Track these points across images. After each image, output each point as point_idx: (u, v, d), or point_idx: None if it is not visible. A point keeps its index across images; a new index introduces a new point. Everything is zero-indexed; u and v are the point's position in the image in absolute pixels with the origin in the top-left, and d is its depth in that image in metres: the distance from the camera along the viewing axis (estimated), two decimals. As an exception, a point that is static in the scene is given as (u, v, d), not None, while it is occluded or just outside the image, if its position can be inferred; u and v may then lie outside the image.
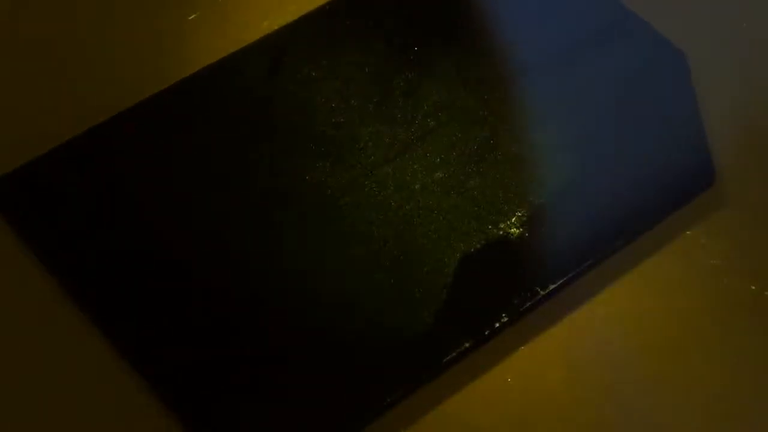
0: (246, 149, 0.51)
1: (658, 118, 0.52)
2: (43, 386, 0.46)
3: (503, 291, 0.47)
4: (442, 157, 0.51)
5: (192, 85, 0.52)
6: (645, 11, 0.55)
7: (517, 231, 0.49)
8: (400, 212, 0.49)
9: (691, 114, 0.52)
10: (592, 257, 0.48)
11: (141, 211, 0.49)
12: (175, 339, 0.46)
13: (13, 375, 0.46)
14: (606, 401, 0.47)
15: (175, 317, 0.47)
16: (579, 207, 0.50)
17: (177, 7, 0.56)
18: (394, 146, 0.51)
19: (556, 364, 0.47)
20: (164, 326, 0.47)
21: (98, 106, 0.52)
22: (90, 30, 0.55)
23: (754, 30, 0.56)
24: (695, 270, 0.50)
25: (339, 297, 0.47)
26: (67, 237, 0.49)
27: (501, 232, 0.49)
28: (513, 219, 0.49)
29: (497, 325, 0.47)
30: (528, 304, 0.47)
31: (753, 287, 0.49)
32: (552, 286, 0.47)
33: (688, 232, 0.50)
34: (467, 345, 0.46)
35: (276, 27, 0.54)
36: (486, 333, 0.47)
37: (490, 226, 0.49)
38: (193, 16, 0.55)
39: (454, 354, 0.46)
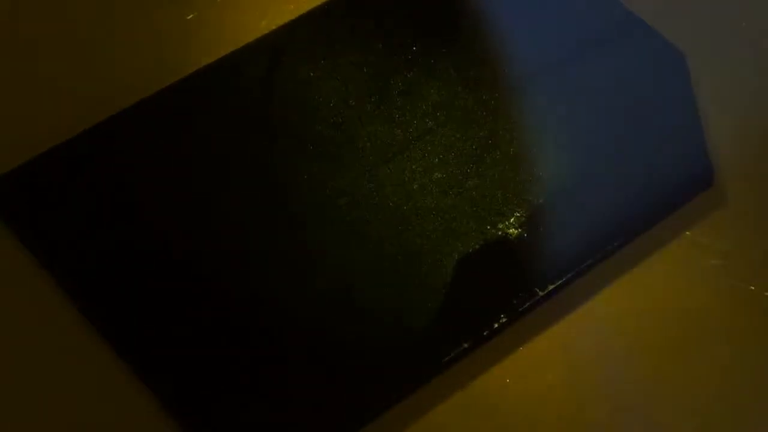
0: (245, 149, 0.51)
1: (658, 118, 0.52)
2: (42, 387, 0.46)
3: (502, 291, 0.47)
4: (440, 157, 0.51)
5: (190, 84, 0.52)
6: (645, 12, 0.54)
7: (516, 231, 0.49)
8: (398, 212, 0.49)
9: (691, 115, 0.52)
10: (590, 258, 0.48)
11: (140, 211, 0.49)
12: (175, 339, 0.46)
13: (12, 376, 0.46)
14: (605, 402, 0.47)
15: (175, 317, 0.47)
16: (578, 207, 0.50)
17: (175, 6, 0.56)
18: (393, 146, 0.51)
19: (555, 365, 0.47)
20: (164, 326, 0.47)
21: (97, 105, 0.52)
22: (88, 30, 0.55)
23: (754, 31, 0.56)
24: (694, 270, 0.50)
25: (338, 297, 0.47)
26: (66, 237, 0.49)
27: (500, 233, 0.49)
28: (512, 219, 0.49)
29: (496, 325, 0.47)
30: (527, 304, 0.47)
31: (752, 287, 0.49)
32: (551, 287, 0.47)
33: (687, 233, 0.50)
34: (466, 345, 0.46)
35: (274, 27, 0.54)
36: (485, 333, 0.47)
37: (488, 227, 0.49)
38: (191, 16, 0.55)
39: (452, 354, 0.46)
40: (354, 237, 0.49)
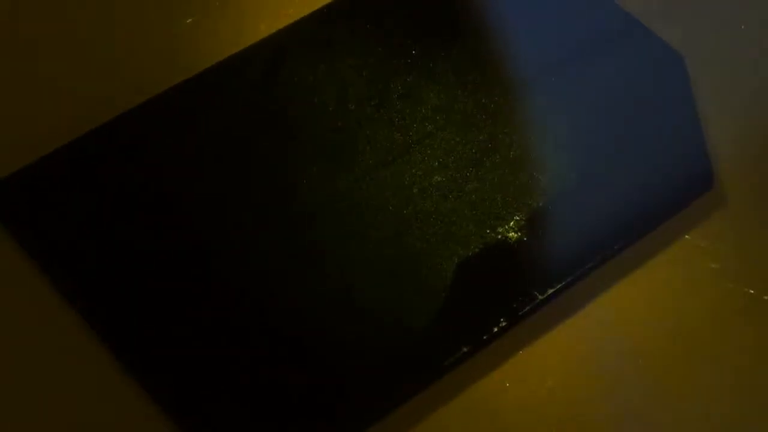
0: (244, 153, 0.51)
1: (657, 121, 0.52)
2: (41, 389, 0.46)
3: (501, 295, 0.47)
4: (440, 160, 0.51)
5: (189, 88, 0.52)
6: (644, 15, 0.54)
7: (516, 235, 0.49)
8: (398, 216, 0.49)
9: (690, 118, 0.52)
10: (590, 261, 0.48)
11: (138, 213, 0.49)
12: (174, 340, 0.46)
13: (11, 378, 0.46)
14: (604, 405, 0.47)
15: (174, 319, 0.47)
16: (577, 211, 0.50)
17: (173, 10, 0.55)
18: (393, 150, 0.51)
19: (555, 368, 0.47)
20: (163, 327, 0.47)
21: (95, 109, 0.52)
22: (86, 34, 0.55)
23: (754, 34, 0.56)
24: (694, 274, 0.50)
25: (337, 301, 0.47)
26: (66, 239, 0.49)
27: (499, 236, 0.49)
28: (511, 223, 0.49)
29: (496, 329, 0.47)
30: (526, 308, 0.47)
31: (752, 291, 0.49)
32: (550, 291, 0.47)
33: (687, 236, 0.50)
34: (465, 349, 0.46)
35: (273, 30, 0.54)
36: (484, 337, 0.47)
37: (488, 230, 0.49)
38: (189, 20, 0.55)
39: (452, 359, 0.46)
40: (354, 240, 0.48)
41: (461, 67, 0.53)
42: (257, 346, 0.46)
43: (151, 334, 0.46)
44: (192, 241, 0.49)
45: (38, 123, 0.52)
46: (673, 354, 0.48)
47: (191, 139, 0.51)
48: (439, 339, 0.46)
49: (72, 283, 0.48)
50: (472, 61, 0.53)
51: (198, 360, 0.46)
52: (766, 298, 0.49)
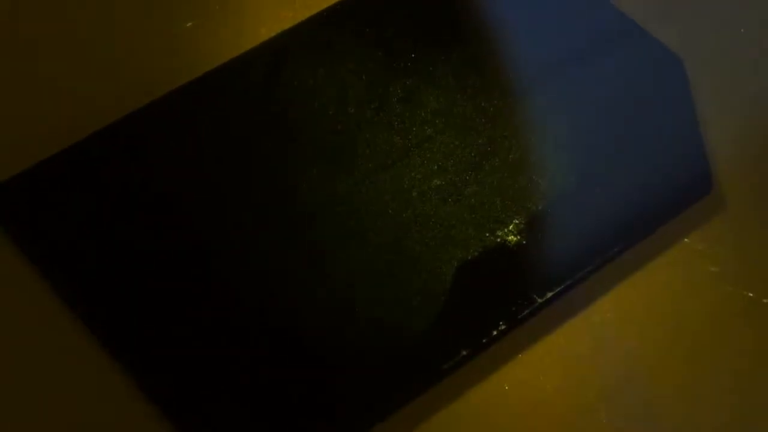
0: (243, 156, 0.51)
1: (656, 125, 0.52)
2: (41, 391, 0.46)
3: (501, 299, 0.47)
4: (439, 164, 0.51)
5: (190, 91, 0.52)
6: (642, 17, 0.54)
7: (515, 238, 0.49)
8: (397, 219, 0.49)
9: (689, 121, 0.52)
10: (589, 264, 0.48)
11: (140, 216, 0.49)
12: (174, 342, 0.46)
13: (12, 380, 0.46)
14: (603, 408, 0.47)
15: (174, 320, 0.47)
16: (576, 215, 0.50)
17: (173, 14, 0.55)
18: (392, 153, 0.51)
19: (554, 372, 0.47)
20: (163, 329, 0.47)
21: (95, 113, 0.51)
22: (86, 36, 0.55)
23: (753, 35, 0.56)
24: (693, 276, 0.50)
25: (336, 304, 0.47)
26: (66, 243, 0.49)
27: (498, 240, 0.49)
28: (510, 226, 0.49)
29: (495, 332, 0.47)
30: (525, 311, 0.47)
31: (751, 294, 0.49)
32: (550, 294, 0.47)
33: (686, 239, 0.50)
34: (464, 353, 0.46)
35: (273, 34, 0.54)
36: (483, 341, 0.47)
37: (487, 234, 0.49)
38: (189, 24, 0.55)
39: (451, 362, 0.46)
40: (353, 243, 0.48)
41: (461, 70, 0.53)
42: (257, 348, 0.46)
43: (152, 335, 0.46)
44: (192, 243, 0.49)
45: (38, 126, 0.52)
46: (673, 357, 0.48)
47: (192, 142, 0.51)
48: (439, 342, 0.46)
49: (72, 285, 0.48)
50: (471, 65, 0.53)
51: (198, 360, 0.46)
52: (765, 301, 0.49)
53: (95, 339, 0.47)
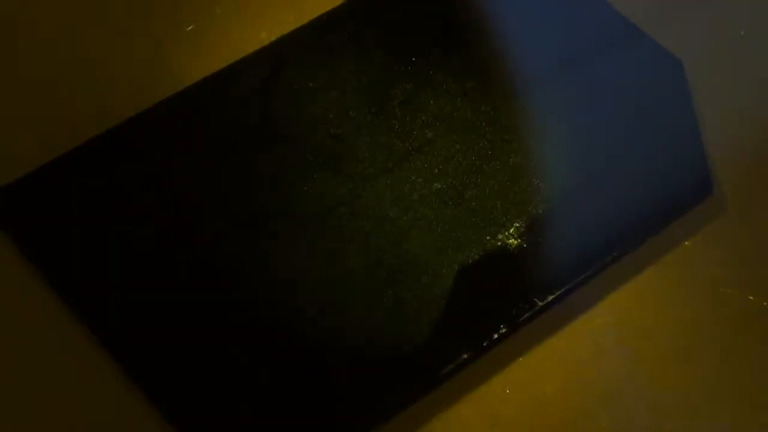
0: (244, 160, 0.51)
1: (657, 128, 0.52)
2: (41, 393, 0.46)
3: (501, 302, 0.47)
4: (440, 167, 0.51)
5: (190, 95, 0.52)
6: (642, 21, 0.54)
7: (516, 242, 0.49)
8: (398, 223, 0.49)
9: (690, 124, 0.52)
10: (590, 268, 0.48)
11: (141, 219, 0.49)
12: (174, 345, 0.47)
13: (12, 383, 0.46)
14: (604, 412, 0.47)
15: (175, 322, 0.47)
16: (577, 217, 0.50)
17: (174, 17, 0.56)
18: (392, 157, 0.51)
19: (555, 375, 0.47)
20: (164, 332, 0.47)
21: (95, 117, 0.52)
22: (86, 41, 0.55)
23: (753, 39, 0.56)
24: (694, 280, 0.50)
25: (336, 308, 0.47)
26: (67, 246, 0.49)
27: (499, 243, 0.49)
28: (511, 230, 0.49)
29: (496, 336, 0.47)
30: (526, 314, 0.47)
31: (751, 297, 0.49)
32: (550, 297, 0.47)
33: (686, 242, 0.50)
34: (465, 356, 0.46)
35: (274, 38, 0.54)
36: (484, 344, 0.47)
37: (488, 237, 0.49)
38: (190, 27, 0.55)
39: (452, 365, 0.46)
40: (353, 247, 0.49)
41: (461, 74, 0.53)
42: (257, 350, 0.46)
43: (151, 336, 0.47)
44: (192, 246, 0.49)
45: (40, 130, 0.52)
46: (674, 361, 0.48)
47: (191, 146, 0.51)
48: (440, 345, 0.46)
49: (72, 286, 0.48)
50: (471, 69, 0.54)
51: (198, 361, 0.46)
52: (766, 304, 0.49)
53: (95, 339, 0.47)
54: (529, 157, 0.51)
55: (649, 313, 0.49)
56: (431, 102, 0.52)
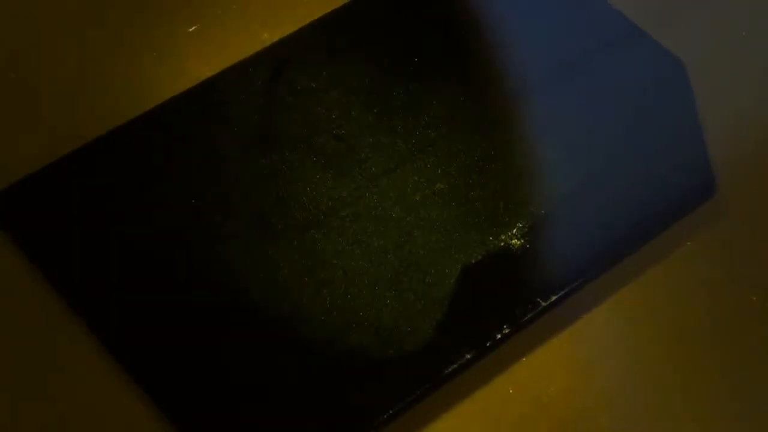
0: (246, 160, 0.51)
1: (659, 129, 0.52)
2: (41, 393, 0.46)
3: (504, 302, 0.47)
4: (442, 168, 0.51)
5: (192, 97, 0.52)
6: (645, 22, 0.55)
7: (519, 242, 0.49)
8: (400, 223, 0.49)
9: (691, 124, 0.52)
10: (593, 268, 0.48)
11: (141, 221, 0.49)
12: (174, 345, 0.46)
13: (12, 383, 0.46)
14: (608, 412, 0.47)
15: (176, 323, 0.47)
16: (580, 218, 0.50)
17: (176, 19, 0.56)
18: (395, 157, 0.51)
19: (558, 375, 0.47)
20: (164, 332, 0.47)
21: (97, 119, 0.52)
22: (87, 42, 0.55)
23: (755, 40, 0.56)
24: (696, 281, 0.50)
25: (339, 308, 0.47)
26: (68, 247, 0.49)
27: (502, 243, 0.49)
28: (514, 230, 0.49)
29: (498, 336, 0.47)
30: (529, 315, 0.47)
31: (754, 298, 0.49)
32: (553, 297, 0.47)
33: (688, 243, 0.50)
34: (468, 356, 0.46)
35: (276, 38, 0.54)
36: (487, 344, 0.47)
37: (491, 237, 0.49)
38: (192, 29, 0.55)
39: (455, 365, 0.46)
40: (356, 248, 0.49)
41: (463, 74, 0.53)
42: (258, 351, 0.46)
43: (152, 336, 0.47)
44: (192, 247, 0.49)
45: (41, 131, 0.52)
46: (676, 361, 0.48)
47: (192, 147, 0.51)
48: (442, 346, 0.46)
49: (73, 286, 0.48)
50: (474, 69, 0.54)
51: (198, 362, 0.46)
52: (768, 305, 0.49)
53: (95, 339, 0.47)
54: (531, 157, 0.51)
55: (652, 314, 0.49)
56: (434, 103, 0.52)
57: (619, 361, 0.48)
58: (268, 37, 0.54)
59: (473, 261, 0.48)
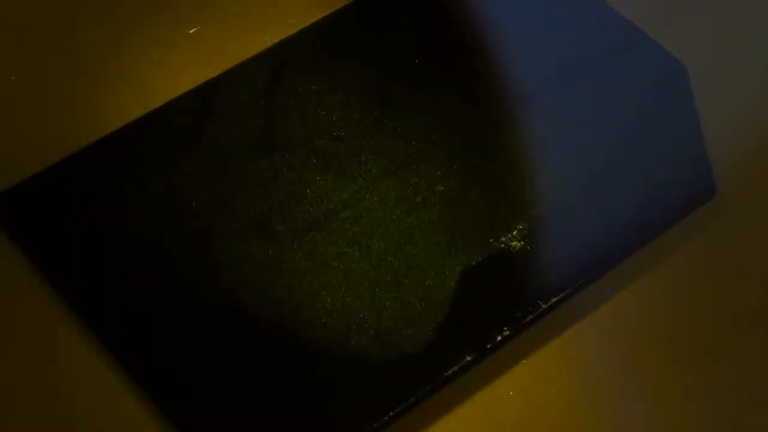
0: (246, 162, 0.51)
1: (659, 129, 0.52)
2: (42, 393, 0.46)
3: (505, 304, 0.47)
4: (443, 170, 0.51)
5: (192, 98, 0.52)
6: (646, 24, 0.55)
7: (519, 244, 0.49)
8: (401, 225, 0.49)
9: (692, 126, 0.52)
10: (593, 270, 0.48)
11: (141, 222, 0.49)
12: (175, 346, 0.46)
13: (13, 383, 0.46)
14: (609, 414, 0.47)
15: (176, 324, 0.47)
16: (580, 220, 0.50)
17: (177, 20, 0.56)
18: (395, 159, 0.51)
19: (558, 377, 0.47)
20: (165, 334, 0.47)
21: (97, 120, 0.52)
22: (87, 44, 0.55)
23: (756, 42, 0.56)
24: (696, 282, 0.50)
25: (339, 310, 0.47)
26: (69, 248, 0.49)
27: (502, 245, 0.49)
28: (514, 232, 0.49)
29: (499, 338, 0.47)
30: (530, 317, 0.47)
31: (755, 299, 0.49)
32: (554, 299, 0.47)
33: (689, 244, 0.50)
34: (469, 358, 0.46)
35: (277, 40, 0.54)
36: (488, 346, 0.47)
37: (491, 239, 0.49)
38: (193, 30, 0.55)
39: (455, 367, 0.46)
40: (356, 249, 0.49)
41: (464, 76, 0.53)
42: (258, 352, 0.46)
43: (152, 336, 0.47)
44: (192, 248, 0.49)
45: (41, 133, 0.52)
46: (678, 363, 0.48)
47: (193, 148, 0.51)
48: (443, 348, 0.46)
49: (73, 288, 0.48)
50: (474, 71, 0.54)
51: (198, 363, 0.46)
52: (768, 305, 0.49)
53: (95, 339, 0.47)
54: (531, 158, 0.51)
55: (653, 315, 0.49)
56: (434, 104, 0.52)
57: (620, 363, 0.48)
58: (269, 38, 0.54)
59: (474, 263, 0.48)
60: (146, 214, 0.50)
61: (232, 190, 0.50)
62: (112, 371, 0.46)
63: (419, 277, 0.48)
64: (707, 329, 0.49)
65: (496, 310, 0.47)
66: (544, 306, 0.47)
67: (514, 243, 0.49)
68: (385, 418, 0.45)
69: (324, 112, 0.52)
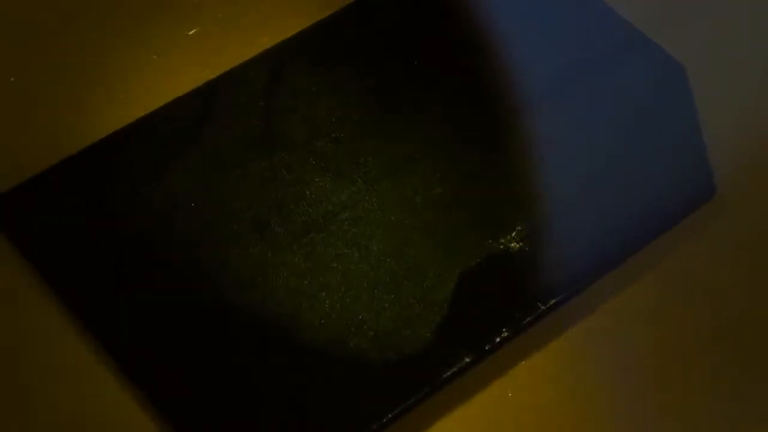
0: (245, 163, 0.51)
1: (659, 132, 0.52)
2: (40, 397, 0.46)
3: (504, 305, 0.48)
4: (442, 171, 0.51)
5: (192, 100, 0.52)
6: (646, 26, 0.55)
7: (518, 245, 0.49)
8: (400, 227, 0.49)
9: (692, 128, 0.52)
10: (592, 272, 0.48)
11: (141, 223, 0.50)
12: (174, 347, 0.47)
13: (11, 387, 0.46)
14: (607, 415, 0.47)
15: (175, 325, 0.47)
16: (579, 222, 0.50)
17: (177, 21, 0.56)
18: (394, 161, 0.51)
19: (557, 379, 0.47)
20: (164, 335, 0.47)
21: (96, 122, 0.52)
22: (87, 45, 0.55)
23: (756, 44, 0.56)
24: (695, 284, 0.50)
25: (338, 312, 0.47)
26: (68, 249, 0.49)
27: (501, 247, 0.49)
28: (513, 234, 0.49)
29: (498, 339, 0.47)
30: (528, 318, 0.47)
31: (755, 299, 0.49)
32: (552, 301, 0.47)
33: (688, 246, 0.50)
34: (467, 360, 0.46)
35: (276, 42, 0.54)
36: (486, 347, 0.47)
37: (490, 241, 0.49)
38: (193, 31, 0.55)
39: (454, 369, 0.46)
40: (355, 251, 0.49)
41: (463, 79, 0.53)
42: (257, 354, 0.46)
43: (152, 338, 0.47)
44: (192, 249, 0.49)
45: (42, 134, 0.52)
46: (677, 364, 0.48)
47: (192, 150, 0.51)
48: (441, 349, 0.46)
49: (72, 289, 0.48)
50: (474, 73, 0.54)
51: (197, 364, 0.46)
52: (767, 308, 0.49)
53: (95, 340, 0.47)
54: (531, 161, 0.51)
55: (652, 316, 0.49)
56: (433, 106, 0.52)
57: (620, 364, 0.48)
58: (268, 40, 0.54)
59: (472, 264, 0.48)
60: (145, 215, 0.50)
61: (232, 191, 0.50)
62: (110, 372, 0.46)
63: (418, 278, 0.48)
64: (707, 329, 0.49)
65: (494, 311, 0.47)
66: (543, 307, 0.47)
67: (513, 244, 0.49)
68: (384, 420, 0.45)
69: (323, 114, 0.52)
